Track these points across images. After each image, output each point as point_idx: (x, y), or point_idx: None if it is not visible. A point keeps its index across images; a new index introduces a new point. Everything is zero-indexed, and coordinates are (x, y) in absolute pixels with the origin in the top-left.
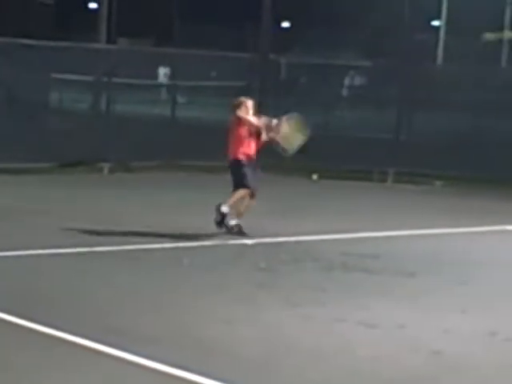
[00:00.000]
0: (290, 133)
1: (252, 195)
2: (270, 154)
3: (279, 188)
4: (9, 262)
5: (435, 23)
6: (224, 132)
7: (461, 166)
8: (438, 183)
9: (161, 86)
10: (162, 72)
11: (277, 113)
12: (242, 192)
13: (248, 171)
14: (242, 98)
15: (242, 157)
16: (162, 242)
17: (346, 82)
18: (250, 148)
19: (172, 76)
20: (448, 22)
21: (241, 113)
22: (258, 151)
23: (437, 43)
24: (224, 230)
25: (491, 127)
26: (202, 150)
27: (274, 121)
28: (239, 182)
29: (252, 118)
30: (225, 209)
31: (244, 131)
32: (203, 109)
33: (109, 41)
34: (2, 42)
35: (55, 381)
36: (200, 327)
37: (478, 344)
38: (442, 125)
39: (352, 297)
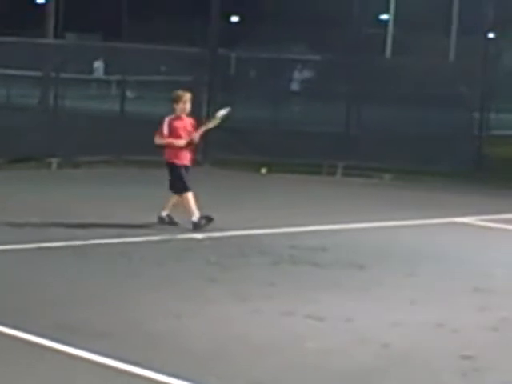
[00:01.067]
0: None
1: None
2: (218, 148)
3: (228, 182)
4: None
5: (383, 17)
6: None
7: (409, 159)
8: (387, 176)
9: (108, 81)
10: (97, 65)
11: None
12: (190, 196)
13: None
14: (180, 92)
15: (185, 162)
16: (110, 237)
17: (296, 75)
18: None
19: (107, 70)
20: (396, 16)
21: (178, 109)
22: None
23: (385, 37)
24: (206, 225)
25: (439, 120)
26: (151, 144)
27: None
28: (182, 187)
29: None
30: (194, 218)
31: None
32: (152, 104)
33: (56, 36)
34: None
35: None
36: (149, 322)
37: (426, 336)
38: (390, 118)
39: (300, 290)
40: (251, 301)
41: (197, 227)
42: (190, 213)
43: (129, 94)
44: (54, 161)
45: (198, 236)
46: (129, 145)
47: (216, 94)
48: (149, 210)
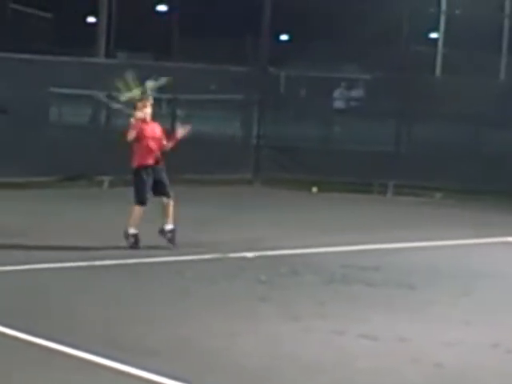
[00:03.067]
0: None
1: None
2: (269, 167)
3: (279, 201)
4: (9, 277)
5: (433, 35)
6: (224, 146)
7: (460, 177)
8: (438, 195)
9: (159, 99)
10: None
11: (274, 126)
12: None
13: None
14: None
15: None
16: (162, 256)
17: (337, 94)
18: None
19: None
20: (446, 35)
21: (137, 113)
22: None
23: (435, 55)
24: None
25: (490, 139)
26: (199, 163)
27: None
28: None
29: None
30: (132, 231)
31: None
32: (203, 122)
33: (108, 55)
34: (2, 57)
35: None
36: (201, 340)
37: (480, 356)
38: (441, 137)
39: (352, 309)
40: (303, 320)
41: (125, 237)
42: (128, 223)
43: (179, 112)
44: (106, 179)
45: (249, 255)
46: (178, 163)
47: (266, 113)
48: (200, 228)
